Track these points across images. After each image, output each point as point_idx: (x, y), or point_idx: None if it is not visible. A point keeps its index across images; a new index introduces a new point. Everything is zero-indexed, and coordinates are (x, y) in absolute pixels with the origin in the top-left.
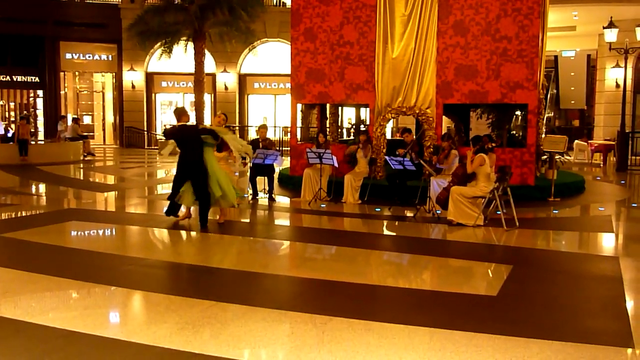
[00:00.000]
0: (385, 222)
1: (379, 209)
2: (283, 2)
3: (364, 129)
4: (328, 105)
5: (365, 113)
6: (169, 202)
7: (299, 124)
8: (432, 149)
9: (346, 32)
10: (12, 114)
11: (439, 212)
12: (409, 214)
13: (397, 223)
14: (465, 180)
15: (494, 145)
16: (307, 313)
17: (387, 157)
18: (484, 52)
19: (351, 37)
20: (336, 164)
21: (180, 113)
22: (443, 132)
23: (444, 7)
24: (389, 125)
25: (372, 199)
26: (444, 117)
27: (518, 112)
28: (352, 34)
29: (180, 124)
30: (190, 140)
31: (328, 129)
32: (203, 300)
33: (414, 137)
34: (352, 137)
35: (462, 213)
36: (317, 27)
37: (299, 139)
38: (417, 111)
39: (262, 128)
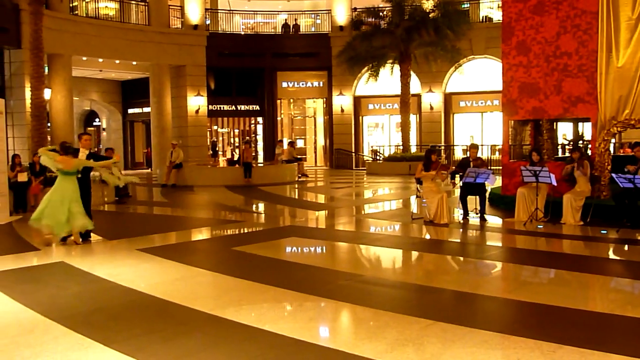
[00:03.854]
0: (612, 246)
1: (604, 231)
2: (489, 18)
3: (581, 144)
4: (543, 121)
5: (583, 128)
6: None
7: (510, 141)
8: None
9: (563, 42)
10: (236, 139)
11: None
12: None
13: (626, 247)
14: None
15: None
16: (531, 339)
17: (613, 175)
18: None
19: (569, 47)
20: (554, 182)
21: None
22: None
23: None
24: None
25: (596, 221)
26: None
27: None
28: (571, 43)
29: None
30: None
31: (542, 146)
32: (421, 318)
33: None
34: (567, 155)
35: None
36: (531, 40)
37: (510, 157)
38: None
39: (473, 148)
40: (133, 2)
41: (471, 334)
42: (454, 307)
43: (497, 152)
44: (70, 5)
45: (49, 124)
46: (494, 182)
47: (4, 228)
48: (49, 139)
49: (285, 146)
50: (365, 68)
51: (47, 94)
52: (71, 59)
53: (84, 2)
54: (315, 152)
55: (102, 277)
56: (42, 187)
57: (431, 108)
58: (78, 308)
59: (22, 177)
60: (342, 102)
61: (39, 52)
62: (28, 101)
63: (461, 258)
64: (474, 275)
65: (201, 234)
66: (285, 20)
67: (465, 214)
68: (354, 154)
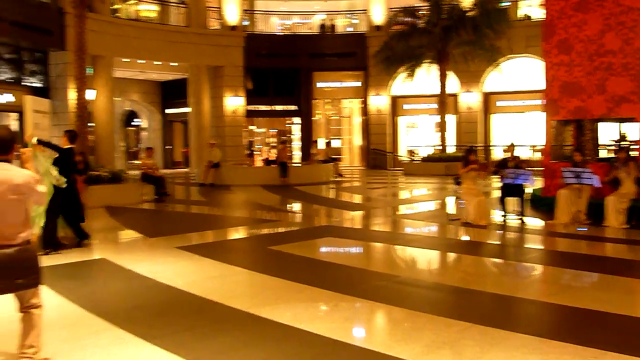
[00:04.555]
0: None
1: None
2: (529, 16)
3: (625, 145)
4: (585, 121)
5: (628, 128)
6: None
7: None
8: None
9: (607, 41)
10: (273, 139)
11: None
12: None
13: None
14: None
15: None
16: (573, 344)
17: None
18: None
19: (613, 46)
20: (598, 184)
21: (74, 135)
22: None
23: None
24: None
25: None
26: None
27: None
28: (615, 41)
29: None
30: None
31: (585, 147)
32: (459, 320)
33: None
34: (611, 156)
35: None
36: (574, 38)
37: (552, 158)
38: None
39: (511, 147)
40: (172, 4)
41: (510, 337)
42: (492, 310)
43: (537, 153)
44: (112, 7)
45: (91, 124)
46: (534, 183)
47: None
48: (90, 138)
49: (321, 146)
50: (402, 68)
51: (90, 94)
52: (113, 61)
53: (125, 5)
54: (351, 152)
55: (142, 274)
56: (86, 186)
57: (469, 108)
58: (119, 304)
59: None
60: (379, 102)
61: (82, 54)
62: (71, 102)
63: (499, 260)
64: (513, 278)
65: (238, 233)
66: (322, 20)
67: (505, 215)
68: (390, 154)
